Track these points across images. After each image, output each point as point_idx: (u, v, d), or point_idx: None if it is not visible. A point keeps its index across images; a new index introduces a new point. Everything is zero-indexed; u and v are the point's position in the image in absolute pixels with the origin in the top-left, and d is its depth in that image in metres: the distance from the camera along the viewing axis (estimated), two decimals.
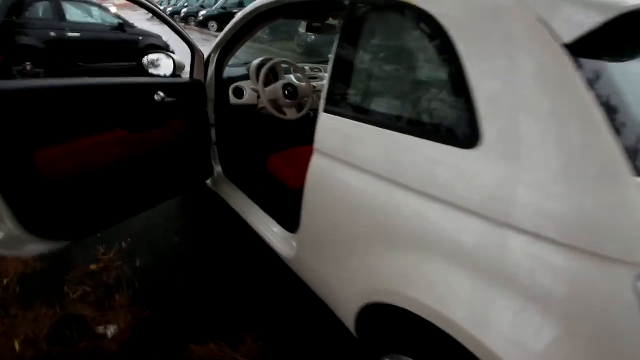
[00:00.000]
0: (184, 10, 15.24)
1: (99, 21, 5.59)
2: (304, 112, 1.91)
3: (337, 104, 1.05)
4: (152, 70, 1.71)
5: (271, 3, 1.40)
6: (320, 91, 2.18)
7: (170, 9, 16.60)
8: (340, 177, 1.01)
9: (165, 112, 1.56)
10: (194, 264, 1.80)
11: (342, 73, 1.04)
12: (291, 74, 2.09)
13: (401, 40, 0.92)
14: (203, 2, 15.22)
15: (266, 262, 1.75)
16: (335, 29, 1.96)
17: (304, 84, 1.95)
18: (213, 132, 1.91)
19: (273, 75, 2.03)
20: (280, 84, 1.85)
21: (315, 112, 2.28)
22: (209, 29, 13.21)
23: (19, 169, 1.13)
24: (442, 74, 0.80)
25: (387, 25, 0.96)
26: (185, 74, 1.80)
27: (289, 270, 1.40)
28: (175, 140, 1.65)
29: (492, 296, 0.69)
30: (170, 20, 1.51)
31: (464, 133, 0.75)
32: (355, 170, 0.96)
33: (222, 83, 1.86)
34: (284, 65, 2.03)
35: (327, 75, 1.09)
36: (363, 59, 1.01)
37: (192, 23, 14.44)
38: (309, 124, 2.02)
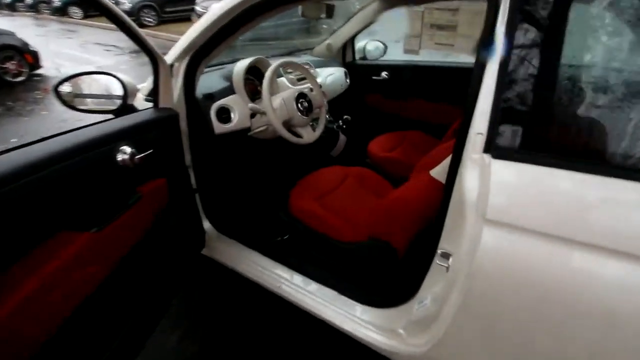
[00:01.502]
0: None
1: None
2: (320, 131, 1.40)
3: (531, 144, 0.63)
4: (82, 107, 1.01)
5: None
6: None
7: None
8: (567, 266, 0.61)
9: (138, 176, 0.93)
10: None
11: (539, 87, 0.62)
12: (282, 75, 1.53)
13: None
14: None
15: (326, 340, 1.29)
16: (332, 10, 1.47)
17: (312, 89, 1.43)
18: (192, 176, 1.30)
19: (260, 80, 1.46)
20: (290, 94, 1.31)
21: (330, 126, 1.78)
22: (70, 16, 10.68)
23: None
24: None
25: None
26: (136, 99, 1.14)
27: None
28: (160, 216, 1.03)
29: None
30: (122, 16, 0.84)
31: None
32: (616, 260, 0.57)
33: (196, 104, 1.24)
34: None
35: (485, 91, 0.66)
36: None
37: (46, 11, 11.51)
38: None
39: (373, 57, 2.08)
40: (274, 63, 1.28)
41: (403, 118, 2.03)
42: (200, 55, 1.14)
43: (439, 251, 0.84)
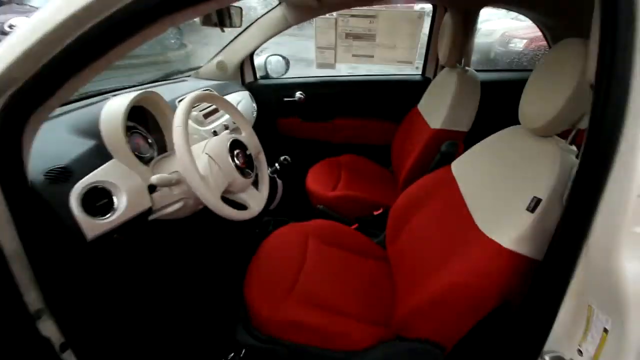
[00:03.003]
0: None
1: None
2: (267, 189, 0.94)
3: None
4: None
5: None
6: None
7: None
8: None
9: None
10: None
11: None
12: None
13: None
14: None
15: None
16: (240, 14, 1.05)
17: (240, 129, 0.95)
18: (49, 327, 0.67)
19: (148, 127, 0.90)
20: (219, 146, 0.79)
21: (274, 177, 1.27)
22: None
23: None
24: None
25: None
26: None
27: None
28: None
29: None
30: None
31: None
32: None
33: (32, 194, 0.63)
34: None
35: None
36: None
37: None
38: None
39: (278, 74, 1.70)
40: (185, 99, 0.76)
41: (327, 142, 1.74)
42: (31, 97, 0.55)
43: (546, 357, 0.58)
